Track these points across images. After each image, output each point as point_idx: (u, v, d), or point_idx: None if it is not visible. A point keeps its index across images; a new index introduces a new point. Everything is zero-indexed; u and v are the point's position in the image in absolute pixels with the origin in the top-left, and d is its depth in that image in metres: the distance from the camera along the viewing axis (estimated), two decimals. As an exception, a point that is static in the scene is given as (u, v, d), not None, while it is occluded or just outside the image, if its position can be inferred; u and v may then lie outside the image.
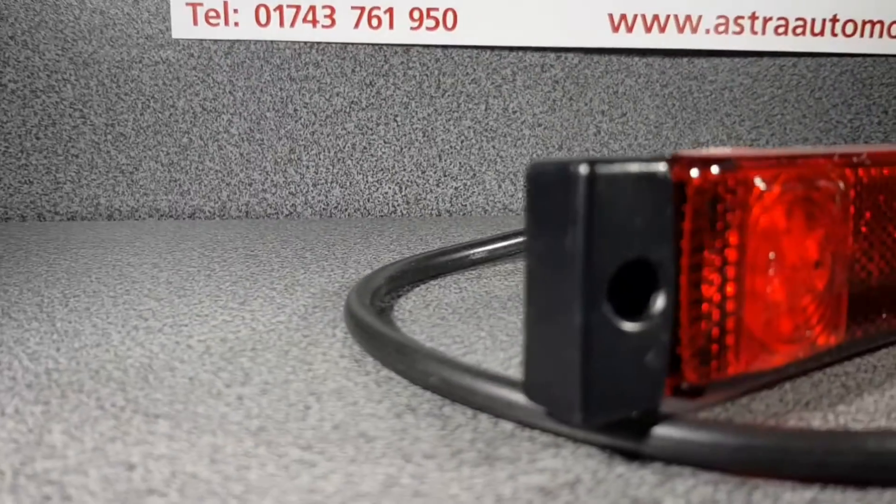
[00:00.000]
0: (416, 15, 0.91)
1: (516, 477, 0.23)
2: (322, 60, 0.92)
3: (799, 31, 0.97)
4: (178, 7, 0.88)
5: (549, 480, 0.23)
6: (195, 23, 0.88)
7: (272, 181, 0.94)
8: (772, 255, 0.28)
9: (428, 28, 0.91)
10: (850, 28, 0.98)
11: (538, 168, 0.24)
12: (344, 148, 0.94)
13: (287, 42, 0.91)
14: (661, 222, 0.24)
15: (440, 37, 0.92)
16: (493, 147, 0.97)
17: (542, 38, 0.94)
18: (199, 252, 0.68)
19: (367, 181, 0.96)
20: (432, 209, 0.97)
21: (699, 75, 0.99)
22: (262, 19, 0.89)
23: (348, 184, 0.95)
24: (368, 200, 0.96)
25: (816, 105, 1.02)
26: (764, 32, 0.96)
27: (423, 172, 0.97)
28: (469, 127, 0.96)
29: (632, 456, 0.25)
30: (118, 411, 0.30)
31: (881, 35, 0.99)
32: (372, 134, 0.94)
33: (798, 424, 0.28)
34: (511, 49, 0.94)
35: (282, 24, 0.90)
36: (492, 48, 0.94)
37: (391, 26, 0.91)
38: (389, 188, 0.96)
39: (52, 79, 0.89)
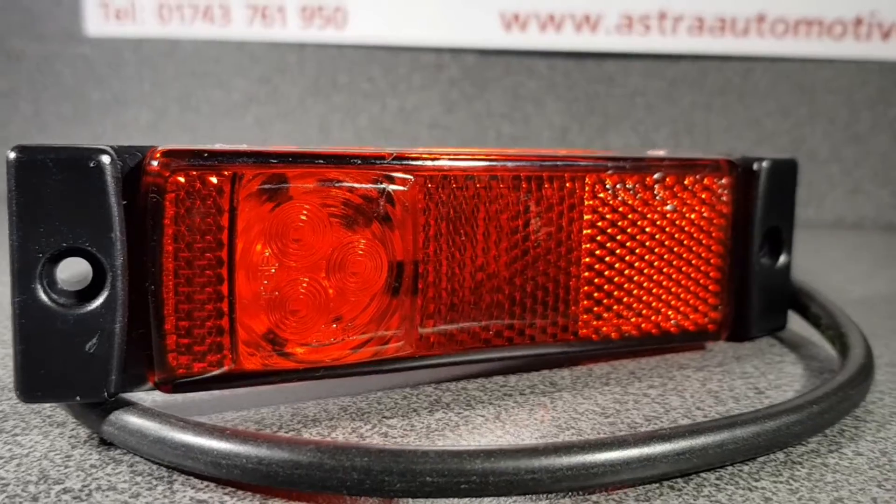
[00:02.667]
0: (306, 14, 0.93)
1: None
2: (221, 57, 0.96)
3: (718, 31, 0.89)
4: (91, 5, 0.95)
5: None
6: (106, 20, 0.95)
7: (178, 171, 0.99)
8: (267, 252, 0.27)
9: (318, 27, 0.93)
10: (780, 28, 0.89)
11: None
12: (242, 142, 0.97)
13: (188, 39, 0.95)
14: (103, 213, 0.24)
15: (331, 35, 0.93)
16: (391, 146, 0.97)
17: (433, 38, 0.92)
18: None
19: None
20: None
21: (607, 78, 0.93)
22: (166, 17, 0.94)
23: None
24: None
25: (747, 113, 0.93)
26: (675, 33, 0.89)
27: (321, 169, 0.98)
28: (365, 126, 0.97)
29: (105, 442, 0.25)
30: None
31: (820, 36, 0.88)
32: (269, 129, 0.97)
33: (319, 434, 0.26)
34: (406, 49, 0.94)
35: (182, 21, 0.94)
36: (386, 48, 0.94)
37: (283, 24, 0.93)
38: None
39: (-9, 71, 0.99)
